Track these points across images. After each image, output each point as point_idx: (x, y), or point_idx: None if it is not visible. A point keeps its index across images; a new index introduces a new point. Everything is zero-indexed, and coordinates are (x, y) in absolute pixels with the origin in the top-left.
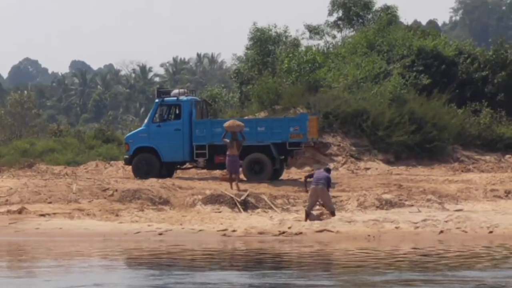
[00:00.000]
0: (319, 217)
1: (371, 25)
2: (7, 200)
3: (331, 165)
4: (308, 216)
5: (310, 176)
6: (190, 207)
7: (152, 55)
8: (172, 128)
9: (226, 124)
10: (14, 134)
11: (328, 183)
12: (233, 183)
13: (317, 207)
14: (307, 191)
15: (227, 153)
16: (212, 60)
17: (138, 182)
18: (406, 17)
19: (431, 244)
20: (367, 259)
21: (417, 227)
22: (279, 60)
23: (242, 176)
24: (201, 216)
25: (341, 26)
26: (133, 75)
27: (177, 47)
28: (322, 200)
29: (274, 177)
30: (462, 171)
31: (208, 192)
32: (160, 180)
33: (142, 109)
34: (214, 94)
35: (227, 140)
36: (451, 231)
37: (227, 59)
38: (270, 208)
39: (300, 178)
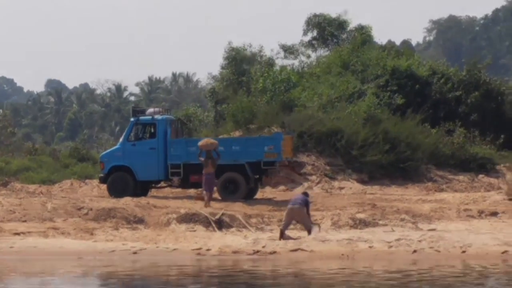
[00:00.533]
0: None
1: (346, 45)
2: None
3: (305, 185)
4: (283, 235)
5: None
6: (164, 226)
7: (128, 74)
8: (147, 147)
9: (200, 142)
10: None
11: (306, 204)
12: (208, 203)
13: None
14: None
15: (203, 171)
16: (187, 79)
17: (113, 201)
18: (380, 37)
19: (405, 264)
20: (339, 279)
21: (391, 247)
22: (254, 79)
23: (216, 195)
24: (175, 235)
25: (316, 45)
26: (108, 94)
27: (153, 67)
28: (298, 219)
29: (248, 196)
30: (436, 190)
31: (182, 211)
32: (135, 199)
33: (117, 128)
34: (189, 113)
35: (202, 159)
36: (425, 251)
37: (202, 78)
38: (245, 227)
39: (275, 197)
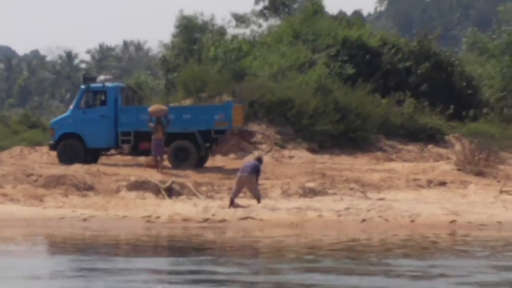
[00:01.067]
0: (240, 205)
1: (297, 14)
2: None
3: (257, 153)
4: (232, 203)
5: None
6: (114, 193)
7: (79, 41)
8: (98, 114)
9: (150, 108)
10: None
11: (256, 171)
12: (159, 168)
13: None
14: None
15: (152, 137)
16: (139, 47)
17: (63, 167)
18: (331, 7)
19: (354, 233)
20: (287, 247)
21: (340, 216)
22: (205, 48)
23: (167, 163)
24: (125, 202)
25: (267, 15)
26: (59, 61)
27: (104, 34)
28: (247, 187)
29: (199, 165)
30: (385, 160)
31: (132, 178)
32: (85, 166)
33: (68, 95)
34: (140, 81)
35: (152, 125)
36: (374, 220)
37: (153, 47)
38: (195, 195)
39: (225, 166)
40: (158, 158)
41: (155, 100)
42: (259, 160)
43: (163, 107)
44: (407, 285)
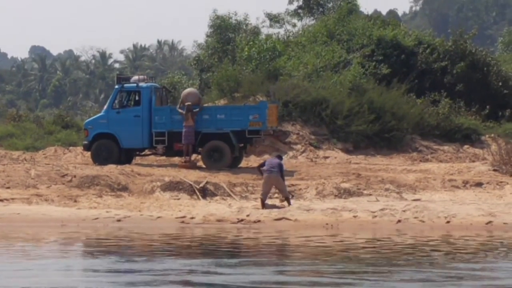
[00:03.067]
0: (275, 206)
1: (331, 14)
2: None
3: (285, 153)
4: (264, 204)
5: (262, 165)
6: (148, 194)
7: (112, 41)
8: (132, 114)
9: (182, 94)
10: None
11: (281, 170)
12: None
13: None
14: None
15: (183, 124)
16: (173, 47)
17: (97, 168)
18: (366, 7)
19: (389, 233)
20: (324, 248)
21: (375, 216)
22: (239, 48)
23: (201, 163)
24: (159, 203)
25: (302, 14)
26: (93, 61)
27: (138, 34)
28: (276, 187)
29: (233, 165)
30: (421, 161)
31: (167, 179)
32: (119, 167)
33: (102, 95)
34: (174, 81)
35: (182, 111)
36: (409, 221)
37: (187, 46)
38: (229, 195)
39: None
40: (189, 145)
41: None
42: (280, 157)
43: (194, 91)
44: None
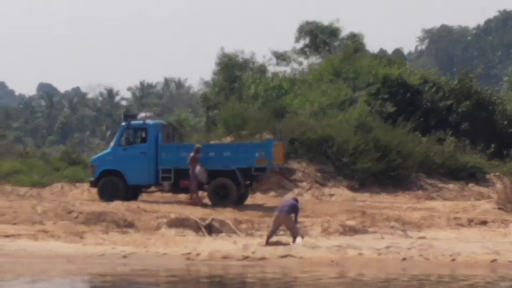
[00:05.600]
0: (279, 242)
1: (338, 52)
2: None
3: (290, 190)
4: (268, 241)
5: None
6: (154, 230)
7: (119, 78)
8: (138, 151)
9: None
10: None
11: (294, 210)
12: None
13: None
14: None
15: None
16: (179, 84)
17: (103, 204)
18: (372, 45)
19: (394, 271)
20: (329, 285)
21: (380, 254)
22: (246, 85)
23: (207, 200)
24: (165, 239)
25: (308, 53)
26: (100, 98)
27: (144, 71)
28: (285, 226)
29: (239, 202)
30: (426, 198)
31: (173, 215)
32: (125, 203)
33: (109, 132)
34: (180, 118)
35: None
36: (414, 258)
37: (194, 84)
38: (235, 232)
39: (265, 203)
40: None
41: (196, 138)
42: (296, 200)
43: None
44: None
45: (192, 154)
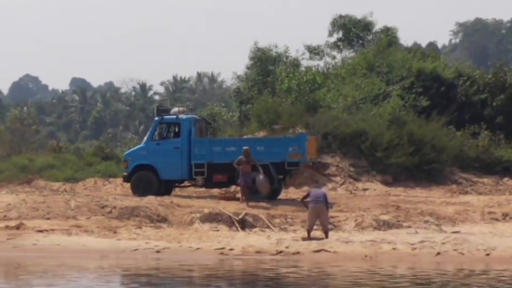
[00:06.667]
0: (314, 237)
1: (371, 46)
2: (5, 216)
3: (324, 185)
4: (310, 235)
5: (306, 197)
6: (188, 225)
7: (153, 73)
8: (171, 146)
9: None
10: (13, 150)
11: (326, 201)
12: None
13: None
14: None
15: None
16: (212, 79)
17: (137, 199)
18: (406, 39)
19: (428, 266)
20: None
21: (414, 249)
22: (279, 80)
23: (239, 194)
24: (199, 234)
25: (341, 47)
26: (133, 93)
27: (177, 66)
28: (320, 219)
29: (272, 197)
30: (460, 193)
31: (206, 210)
32: (159, 198)
33: (142, 127)
34: (213, 113)
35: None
36: (448, 253)
37: (227, 78)
38: (268, 227)
39: (298, 198)
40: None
41: (229, 132)
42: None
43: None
44: None
45: (241, 158)
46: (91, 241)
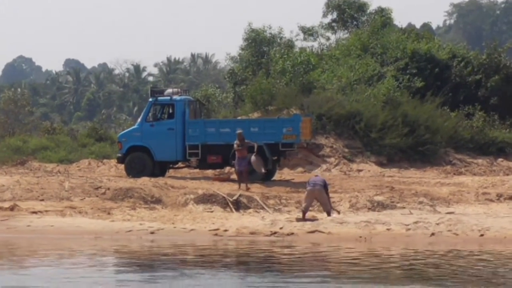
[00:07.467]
0: (308, 218)
1: (365, 27)
2: None
3: (318, 166)
4: (305, 216)
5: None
6: (182, 207)
7: (146, 54)
8: (165, 127)
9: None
10: (7, 131)
11: (325, 186)
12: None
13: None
14: None
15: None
16: (206, 60)
17: (131, 180)
18: (400, 20)
19: (422, 247)
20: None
21: (409, 229)
22: (273, 61)
23: (233, 176)
24: (193, 215)
25: (335, 28)
26: (127, 74)
27: (171, 47)
28: (319, 201)
29: (266, 178)
30: (454, 174)
31: (200, 191)
32: (153, 179)
33: (136, 108)
34: (207, 94)
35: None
36: (442, 234)
37: (221, 59)
38: (262, 208)
39: (293, 179)
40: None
41: (223, 113)
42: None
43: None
44: None
45: (236, 142)
46: (85, 222)
